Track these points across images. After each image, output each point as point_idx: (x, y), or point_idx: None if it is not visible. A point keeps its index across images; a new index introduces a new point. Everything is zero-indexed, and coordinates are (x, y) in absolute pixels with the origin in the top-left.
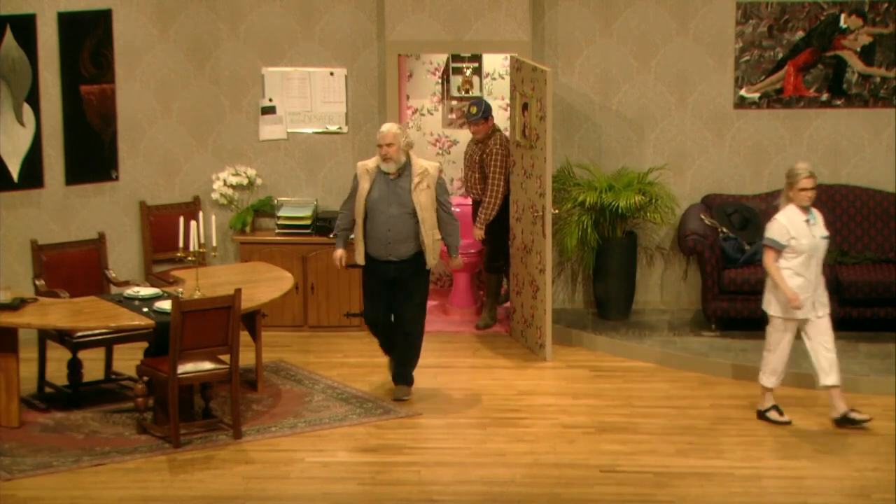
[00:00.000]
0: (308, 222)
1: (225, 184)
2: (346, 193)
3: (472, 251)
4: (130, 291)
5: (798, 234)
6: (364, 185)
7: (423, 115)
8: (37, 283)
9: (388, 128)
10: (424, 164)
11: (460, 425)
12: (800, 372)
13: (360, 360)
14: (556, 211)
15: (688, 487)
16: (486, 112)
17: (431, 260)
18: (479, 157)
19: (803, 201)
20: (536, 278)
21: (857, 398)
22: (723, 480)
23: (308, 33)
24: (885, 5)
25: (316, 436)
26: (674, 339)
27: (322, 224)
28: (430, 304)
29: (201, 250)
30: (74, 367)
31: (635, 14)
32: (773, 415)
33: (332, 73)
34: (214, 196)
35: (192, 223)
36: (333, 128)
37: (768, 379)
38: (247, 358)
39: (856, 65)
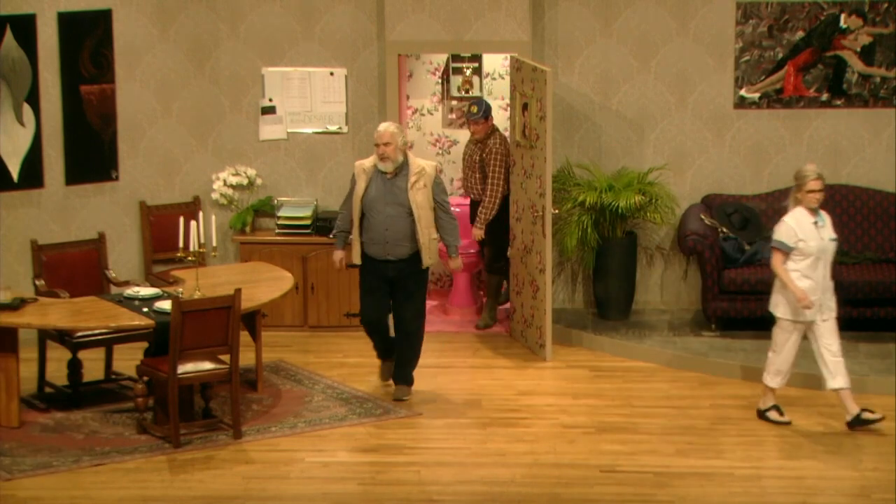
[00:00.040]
0: (308, 222)
1: (225, 184)
2: (346, 193)
3: (472, 251)
4: (130, 291)
5: (806, 236)
6: (360, 185)
7: (423, 115)
8: (37, 283)
9: (386, 127)
10: (422, 163)
11: (460, 425)
12: (800, 372)
13: (360, 360)
14: (556, 211)
15: (688, 487)
16: (486, 112)
17: (427, 259)
18: (479, 156)
19: (811, 203)
20: (536, 278)
21: (857, 398)
22: (723, 480)
23: (308, 33)
24: (885, 5)
25: (316, 436)
26: (674, 339)
27: (322, 224)
28: (431, 304)
29: (201, 250)
30: (74, 367)
31: (635, 14)
32: (773, 415)
33: (332, 73)
34: (214, 196)
35: (192, 223)
36: (333, 128)
37: (773, 379)
38: (247, 358)
39: (856, 65)
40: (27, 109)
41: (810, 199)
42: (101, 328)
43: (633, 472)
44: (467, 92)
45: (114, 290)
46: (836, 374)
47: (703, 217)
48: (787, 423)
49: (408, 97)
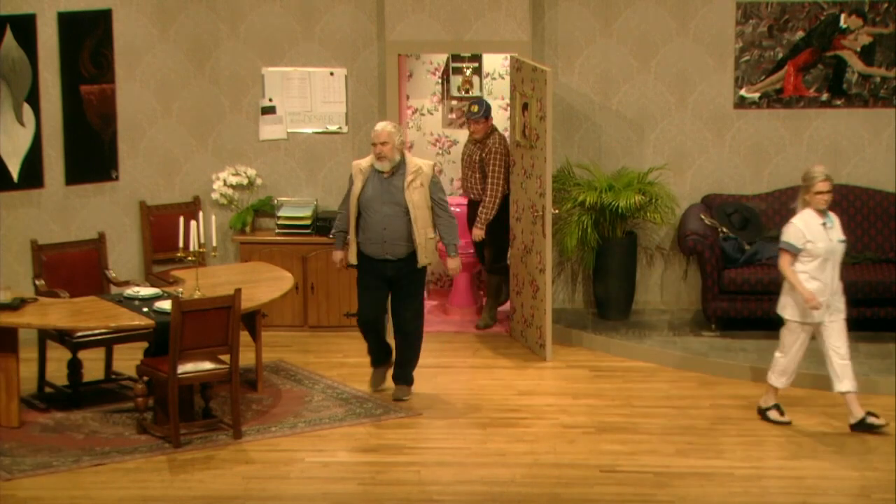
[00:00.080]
0: (308, 222)
1: (225, 184)
2: (345, 193)
3: (471, 251)
4: (130, 291)
5: (814, 237)
6: (357, 184)
7: (422, 115)
8: (37, 283)
9: (383, 126)
10: (419, 162)
11: (460, 425)
12: (800, 372)
13: (360, 360)
14: (556, 211)
15: (688, 487)
16: (486, 111)
17: (423, 259)
18: (479, 156)
19: (820, 205)
20: (536, 278)
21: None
22: (723, 480)
23: (308, 33)
24: (885, 5)
25: (316, 436)
26: (674, 339)
27: (322, 224)
28: (431, 304)
29: (201, 250)
30: (74, 367)
31: (635, 14)
32: (773, 414)
33: (332, 73)
34: (214, 196)
35: (192, 223)
36: (333, 128)
37: (778, 379)
38: (247, 358)
39: (856, 65)
40: (27, 109)
41: (818, 200)
42: (101, 328)
43: (633, 472)
44: (467, 92)
45: (114, 290)
46: (843, 378)
47: (703, 217)
48: (788, 423)
49: (408, 97)
